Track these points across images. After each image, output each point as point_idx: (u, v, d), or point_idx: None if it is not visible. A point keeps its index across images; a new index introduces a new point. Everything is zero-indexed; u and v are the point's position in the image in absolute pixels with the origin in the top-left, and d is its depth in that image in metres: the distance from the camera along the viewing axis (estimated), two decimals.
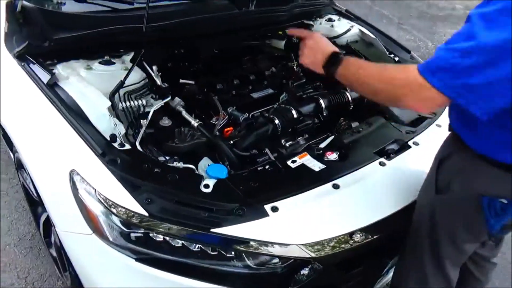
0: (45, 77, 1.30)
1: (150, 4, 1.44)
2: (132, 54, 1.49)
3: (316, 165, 1.24)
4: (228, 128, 1.43)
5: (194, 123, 1.36)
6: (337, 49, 1.14)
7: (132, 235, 1.05)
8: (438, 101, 0.85)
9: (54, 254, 1.60)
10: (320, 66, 1.13)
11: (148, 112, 1.31)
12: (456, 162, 1.03)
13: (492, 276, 1.44)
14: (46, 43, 1.40)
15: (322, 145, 1.36)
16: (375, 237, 1.14)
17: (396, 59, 1.88)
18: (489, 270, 1.37)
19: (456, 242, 1.07)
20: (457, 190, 1.02)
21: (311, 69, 1.19)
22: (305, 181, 1.18)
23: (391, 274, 1.39)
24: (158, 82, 1.45)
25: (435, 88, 0.83)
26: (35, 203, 1.71)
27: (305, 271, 1.12)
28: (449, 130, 1.08)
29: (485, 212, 0.97)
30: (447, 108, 1.56)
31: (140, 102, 1.38)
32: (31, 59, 1.37)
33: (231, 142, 1.35)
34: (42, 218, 1.63)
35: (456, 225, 1.06)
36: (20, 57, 1.39)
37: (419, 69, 0.85)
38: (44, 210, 1.54)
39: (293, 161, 1.25)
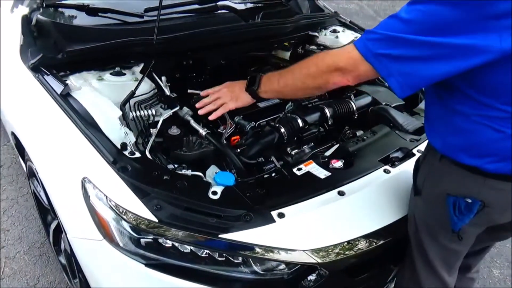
0: (58, 87, 1.34)
1: (160, 17, 1.49)
2: (142, 65, 1.54)
3: (321, 173, 1.26)
4: (235, 137, 1.46)
5: (202, 132, 1.39)
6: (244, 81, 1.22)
7: (142, 240, 1.07)
8: (363, 72, 0.92)
9: (63, 261, 1.63)
10: (244, 94, 1.20)
11: (158, 122, 1.34)
12: (428, 164, 1.08)
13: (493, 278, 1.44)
14: (59, 55, 1.45)
15: (328, 153, 1.38)
16: (380, 243, 1.15)
17: None
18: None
19: (439, 240, 1.10)
20: (428, 190, 1.07)
21: (239, 106, 1.28)
22: (310, 188, 1.20)
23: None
24: (167, 92, 1.48)
25: (361, 55, 0.90)
26: (45, 211, 1.74)
27: (311, 277, 1.14)
28: None
29: (449, 210, 1.01)
30: None
31: (149, 111, 1.41)
32: (45, 71, 1.42)
33: (238, 150, 1.37)
34: (52, 226, 1.66)
35: (433, 224, 1.09)
36: (35, 69, 1.44)
37: (354, 42, 0.94)
38: (54, 218, 1.58)
39: (299, 169, 1.28)
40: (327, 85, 1.04)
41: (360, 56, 0.91)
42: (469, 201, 0.97)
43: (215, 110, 1.33)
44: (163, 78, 1.52)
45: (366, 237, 1.14)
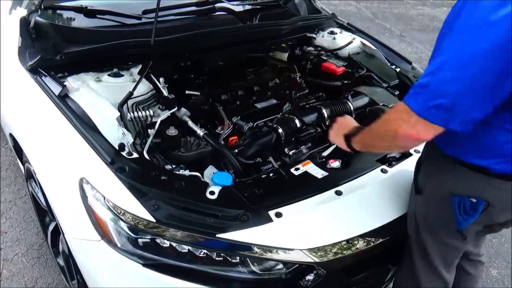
0: (56, 89, 1.35)
1: (157, 19, 1.50)
2: (140, 66, 1.54)
3: (319, 173, 1.26)
4: (233, 137, 1.47)
5: (200, 132, 1.40)
6: (358, 125, 1.19)
7: (140, 241, 1.07)
8: (425, 126, 0.86)
9: (62, 263, 1.63)
10: (342, 139, 1.17)
11: (155, 122, 1.35)
12: (431, 164, 1.08)
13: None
14: (57, 57, 1.46)
15: (325, 153, 1.39)
16: (377, 242, 1.16)
17: (398, 69, 1.92)
18: (478, 267, 1.40)
19: (440, 238, 1.11)
20: (431, 189, 1.07)
21: (337, 144, 1.25)
22: (308, 188, 1.21)
23: None
24: (165, 93, 1.49)
25: (415, 112, 0.85)
26: (43, 213, 1.74)
27: (309, 277, 1.14)
28: None
29: (455, 210, 1.01)
30: None
31: (147, 112, 1.42)
32: (43, 72, 1.42)
33: (236, 150, 1.38)
34: (50, 228, 1.66)
35: (435, 223, 1.09)
36: (33, 70, 1.44)
37: (404, 97, 0.90)
38: (52, 219, 1.58)
39: (297, 169, 1.28)
40: (397, 140, 0.94)
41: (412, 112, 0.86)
42: (474, 200, 0.97)
43: None
44: (161, 79, 1.53)
45: (363, 236, 1.14)
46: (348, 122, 1.23)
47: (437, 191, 1.05)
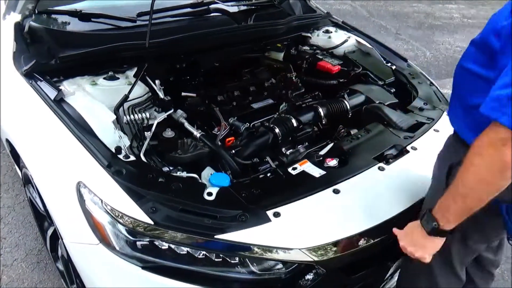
0: (52, 93, 1.34)
1: (152, 22, 1.50)
2: (135, 69, 1.54)
3: (316, 172, 1.26)
4: (230, 138, 1.47)
5: (197, 134, 1.40)
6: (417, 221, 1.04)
7: (138, 243, 1.07)
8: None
9: (61, 267, 1.62)
10: (428, 240, 1.00)
11: (152, 125, 1.35)
12: None
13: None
14: (52, 61, 1.46)
15: (322, 152, 1.39)
16: (376, 240, 1.16)
17: (393, 67, 1.92)
18: (489, 279, 1.39)
19: (468, 243, 1.09)
20: None
21: (432, 253, 1.03)
22: (306, 187, 1.20)
23: (395, 278, 1.40)
24: (161, 95, 1.49)
25: (506, 126, 0.75)
26: (41, 218, 1.74)
27: (309, 276, 1.14)
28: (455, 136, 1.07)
29: (504, 216, 0.98)
30: (444, 114, 1.60)
31: (143, 115, 1.42)
32: (38, 77, 1.42)
33: (233, 151, 1.38)
34: (49, 232, 1.65)
35: (469, 229, 1.05)
36: (28, 75, 1.44)
37: (486, 112, 0.78)
38: (51, 224, 1.57)
39: (294, 168, 1.28)
40: (507, 165, 0.80)
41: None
42: None
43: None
44: (157, 81, 1.53)
45: (362, 234, 1.14)
46: (409, 230, 1.06)
47: None
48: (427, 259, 1.03)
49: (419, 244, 1.01)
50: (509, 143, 0.75)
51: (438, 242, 1.00)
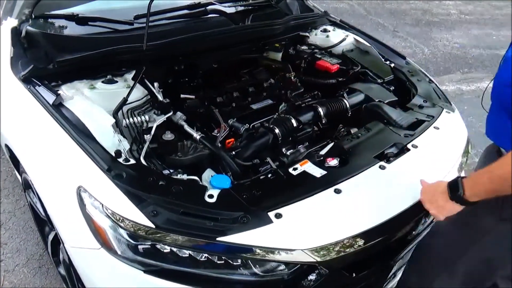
0: (50, 98, 1.34)
1: (150, 24, 1.49)
2: (133, 72, 1.54)
3: (317, 172, 1.26)
4: (230, 140, 1.46)
5: (196, 136, 1.39)
6: (446, 181, 1.07)
7: (140, 247, 1.07)
8: None
9: (63, 272, 1.62)
10: (449, 204, 1.04)
11: (151, 128, 1.34)
12: None
13: None
14: (50, 66, 1.45)
15: (323, 152, 1.38)
16: (378, 239, 1.15)
17: (392, 65, 1.92)
18: None
19: (471, 263, 1.08)
20: (480, 214, 1.01)
21: (448, 215, 1.07)
22: (307, 187, 1.20)
23: (398, 277, 1.39)
24: (160, 98, 1.49)
25: None
26: (42, 223, 1.73)
27: (311, 277, 1.13)
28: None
29: None
30: (444, 111, 1.60)
31: (143, 118, 1.41)
32: (36, 82, 1.41)
33: (233, 152, 1.37)
34: (50, 237, 1.65)
35: (473, 248, 1.06)
36: (26, 80, 1.44)
37: None
38: (52, 229, 1.57)
39: (295, 169, 1.28)
40: None
41: None
42: None
43: None
44: (156, 84, 1.52)
45: (364, 234, 1.14)
46: (433, 194, 1.09)
47: (490, 217, 1.00)
48: (441, 218, 1.08)
49: (439, 204, 1.06)
50: None
51: (457, 208, 1.03)
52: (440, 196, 1.06)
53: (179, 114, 1.48)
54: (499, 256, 1.07)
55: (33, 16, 1.58)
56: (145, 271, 1.07)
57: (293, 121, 1.47)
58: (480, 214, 1.06)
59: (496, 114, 1.08)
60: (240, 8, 2.12)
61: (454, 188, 1.02)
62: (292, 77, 1.87)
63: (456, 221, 1.08)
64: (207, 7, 1.89)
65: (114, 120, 1.30)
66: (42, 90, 1.38)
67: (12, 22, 1.61)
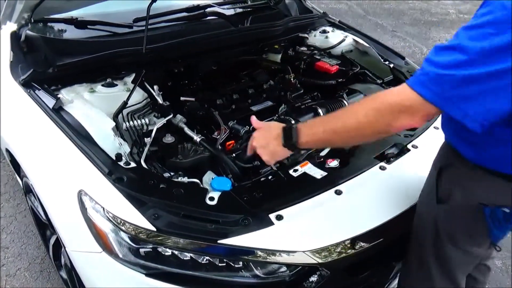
0: (50, 102, 1.34)
1: (149, 27, 1.49)
2: (133, 75, 1.54)
3: (317, 173, 1.26)
4: (230, 142, 1.46)
5: (197, 138, 1.39)
6: (283, 125, 1.10)
7: (141, 250, 1.07)
8: (431, 112, 0.82)
9: (65, 276, 1.62)
10: (281, 149, 1.08)
11: (151, 130, 1.34)
12: (456, 172, 1.01)
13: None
14: (50, 70, 1.45)
15: (323, 153, 1.38)
16: (380, 240, 1.16)
17: (391, 65, 1.92)
18: (485, 272, 1.37)
19: (462, 248, 1.07)
20: (459, 200, 1.01)
21: (278, 160, 1.14)
22: (307, 188, 1.20)
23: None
24: (160, 101, 1.48)
25: (427, 101, 0.79)
26: (44, 227, 1.73)
27: (313, 278, 1.14)
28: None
29: (488, 221, 0.98)
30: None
31: (143, 121, 1.41)
32: (36, 86, 1.41)
33: (234, 155, 1.37)
34: (51, 241, 1.65)
35: (459, 234, 1.06)
36: (26, 84, 1.44)
37: (410, 84, 0.83)
38: (53, 232, 1.57)
39: (295, 170, 1.28)
40: (389, 129, 0.89)
41: (425, 101, 0.80)
42: (507, 211, 0.94)
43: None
44: (155, 87, 1.52)
45: (365, 234, 1.14)
46: (268, 137, 1.11)
47: (466, 202, 0.99)
48: (272, 163, 1.16)
49: (271, 150, 1.11)
50: (409, 112, 0.82)
51: (287, 153, 1.11)
52: (273, 141, 1.09)
53: (179, 116, 1.48)
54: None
55: (32, 20, 1.58)
56: (146, 274, 1.07)
57: (293, 122, 1.47)
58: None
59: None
60: (239, 10, 2.12)
61: (289, 136, 1.05)
62: (292, 79, 1.87)
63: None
64: (206, 10, 1.89)
65: (114, 124, 1.30)
66: (42, 94, 1.38)
67: (11, 26, 1.61)
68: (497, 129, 0.84)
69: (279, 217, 1.10)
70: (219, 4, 1.99)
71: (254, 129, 1.53)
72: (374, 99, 0.91)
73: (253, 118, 1.24)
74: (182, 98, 1.63)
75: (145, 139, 1.33)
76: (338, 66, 1.90)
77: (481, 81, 0.73)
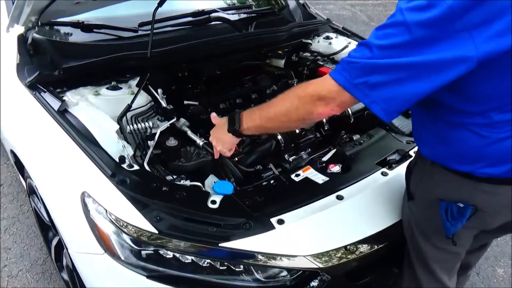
0: (55, 104, 1.35)
1: (154, 31, 1.51)
2: (137, 78, 1.55)
3: (319, 178, 1.27)
4: None
5: (200, 142, 1.40)
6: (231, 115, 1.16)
7: (143, 252, 1.08)
8: (346, 100, 0.89)
9: (66, 277, 1.62)
10: (227, 136, 1.16)
11: (155, 134, 1.35)
12: (419, 169, 1.08)
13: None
14: (55, 72, 1.47)
15: (325, 158, 1.39)
16: (380, 246, 1.16)
17: None
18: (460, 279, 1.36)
19: (436, 245, 1.09)
20: (420, 195, 1.07)
21: (228, 148, 1.23)
22: (309, 193, 1.21)
23: None
24: (164, 104, 1.50)
25: (341, 87, 0.87)
26: (46, 228, 1.74)
27: (314, 283, 1.13)
28: None
29: (442, 215, 1.00)
30: None
31: (147, 124, 1.42)
32: (42, 88, 1.43)
33: (236, 159, 1.38)
34: (54, 242, 1.66)
35: (428, 229, 1.08)
36: (32, 87, 1.45)
37: (330, 73, 0.90)
38: (56, 234, 1.58)
39: (297, 175, 1.28)
40: (311, 116, 0.97)
41: (340, 86, 0.88)
42: (461, 205, 0.96)
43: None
44: (159, 90, 1.54)
45: (367, 240, 1.14)
46: (217, 128, 1.23)
47: (427, 197, 1.04)
48: (227, 154, 1.25)
49: (221, 138, 1.20)
50: (326, 100, 0.91)
51: (234, 140, 1.18)
52: (222, 129, 1.17)
53: (182, 120, 1.49)
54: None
55: (39, 24, 1.60)
56: (148, 277, 1.07)
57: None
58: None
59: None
60: (243, 16, 2.14)
61: (232, 122, 1.13)
62: (295, 84, 1.88)
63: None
64: (210, 15, 1.91)
65: (118, 126, 1.31)
66: (48, 97, 1.40)
67: (18, 29, 1.63)
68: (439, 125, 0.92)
69: (281, 221, 1.10)
70: (224, 10, 2.01)
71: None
72: (300, 87, 1.00)
73: (213, 115, 1.32)
74: (185, 102, 1.65)
75: (149, 142, 1.34)
76: None
77: (382, 72, 0.81)
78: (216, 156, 1.29)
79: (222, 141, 1.21)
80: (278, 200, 1.18)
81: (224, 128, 1.16)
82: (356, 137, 1.56)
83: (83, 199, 1.15)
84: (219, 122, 1.25)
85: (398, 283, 1.31)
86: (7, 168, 2.48)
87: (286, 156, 1.47)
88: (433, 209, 1.02)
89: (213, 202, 1.12)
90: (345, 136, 1.61)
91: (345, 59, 0.88)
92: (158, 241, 1.05)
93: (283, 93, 1.03)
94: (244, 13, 2.17)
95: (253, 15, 2.14)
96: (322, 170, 1.30)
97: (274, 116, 1.04)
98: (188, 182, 1.22)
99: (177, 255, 1.06)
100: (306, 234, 1.11)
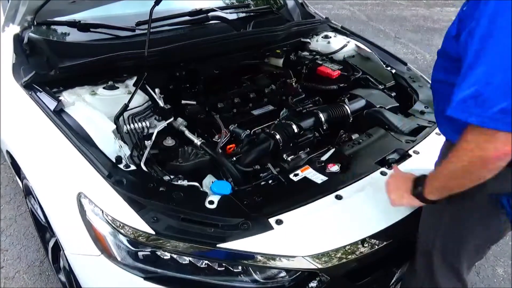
0: (51, 104, 1.34)
1: (151, 30, 1.50)
2: (135, 78, 1.54)
3: (318, 178, 1.25)
4: (231, 145, 1.46)
5: (197, 141, 1.39)
6: (417, 175, 1.09)
7: (140, 254, 1.07)
8: (499, 137, 0.80)
9: (63, 279, 1.61)
10: (409, 196, 1.07)
11: (152, 133, 1.34)
12: None
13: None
14: (52, 72, 1.46)
15: (324, 158, 1.38)
16: (380, 246, 1.15)
17: (393, 71, 1.92)
18: None
19: (474, 243, 1.07)
20: (471, 194, 0.99)
21: (404, 205, 1.15)
22: (308, 193, 1.19)
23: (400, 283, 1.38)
24: (161, 104, 1.49)
25: (477, 125, 0.80)
26: (43, 229, 1.73)
27: (313, 284, 1.12)
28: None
29: (506, 209, 0.99)
30: None
31: (144, 124, 1.41)
32: (38, 88, 1.42)
33: (234, 158, 1.37)
34: (51, 244, 1.64)
35: (474, 228, 1.06)
36: (28, 86, 1.44)
37: (455, 115, 0.83)
38: (52, 235, 1.56)
39: (296, 175, 1.27)
40: (487, 166, 0.87)
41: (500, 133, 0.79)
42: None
43: None
44: (157, 90, 1.53)
45: (366, 240, 1.13)
46: (403, 177, 1.13)
47: (480, 195, 0.99)
48: (396, 205, 1.13)
49: (400, 193, 1.10)
50: (490, 139, 0.81)
51: (416, 203, 1.07)
52: (404, 188, 1.09)
53: (180, 120, 1.48)
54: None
55: (35, 23, 1.59)
56: (145, 278, 1.06)
57: (294, 127, 1.47)
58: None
59: (435, 109, 1.11)
60: (241, 15, 2.13)
61: (417, 184, 1.05)
62: (293, 83, 1.87)
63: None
64: (208, 14, 1.90)
65: (115, 126, 1.30)
66: (44, 96, 1.39)
67: (14, 29, 1.62)
68: None
69: (279, 222, 1.09)
70: (222, 9, 2.00)
71: (254, 133, 1.54)
72: (459, 144, 0.89)
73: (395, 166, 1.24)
74: (183, 102, 1.64)
75: (146, 142, 1.33)
76: (340, 71, 1.90)
77: None
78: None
79: (401, 197, 1.11)
80: (277, 200, 1.17)
81: (406, 186, 1.08)
82: (355, 136, 1.55)
83: (79, 200, 1.13)
84: (402, 176, 1.15)
85: (407, 280, 1.29)
86: (4, 169, 2.46)
87: (284, 155, 1.46)
88: (487, 205, 0.99)
89: (211, 202, 1.11)
90: (344, 135, 1.60)
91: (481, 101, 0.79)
92: (155, 242, 1.04)
93: (450, 155, 0.93)
94: (242, 12, 2.16)
95: (251, 14, 2.13)
96: (321, 170, 1.29)
97: (452, 176, 0.94)
98: (185, 182, 1.21)
99: (175, 256, 1.05)
100: (305, 234, 1.10)
